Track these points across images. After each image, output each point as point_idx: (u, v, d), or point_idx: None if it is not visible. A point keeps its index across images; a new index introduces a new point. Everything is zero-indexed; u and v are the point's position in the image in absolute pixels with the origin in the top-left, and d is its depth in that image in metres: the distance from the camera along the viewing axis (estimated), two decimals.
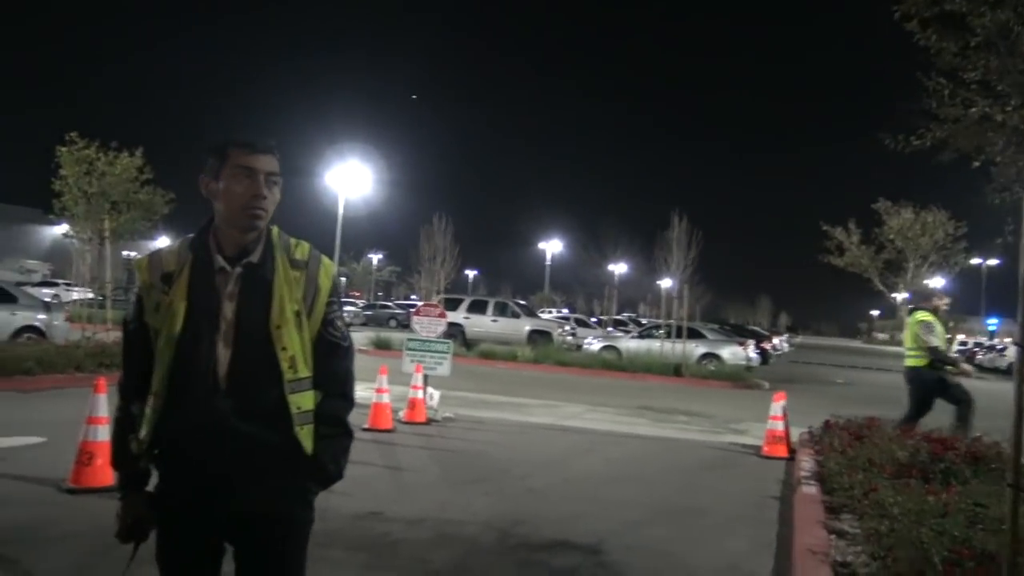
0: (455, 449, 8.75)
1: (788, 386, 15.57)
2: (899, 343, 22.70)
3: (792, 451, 9.17)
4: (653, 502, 6.80)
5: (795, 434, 9.68)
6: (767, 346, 32.27)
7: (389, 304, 52.68)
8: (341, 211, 32.35)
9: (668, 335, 23.67)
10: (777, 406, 9.52)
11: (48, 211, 15.99)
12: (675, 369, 21.22)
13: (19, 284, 19.23)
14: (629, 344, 25.23)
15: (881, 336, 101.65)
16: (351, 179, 33.28)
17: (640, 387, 18.62)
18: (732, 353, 23.90)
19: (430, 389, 10.80)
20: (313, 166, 33.86)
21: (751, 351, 24.70)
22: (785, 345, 49.20)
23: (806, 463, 7.80)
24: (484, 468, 7.79)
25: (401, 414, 10.24)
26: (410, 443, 8.79)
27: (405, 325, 39.32)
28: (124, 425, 2.25)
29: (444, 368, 11.15)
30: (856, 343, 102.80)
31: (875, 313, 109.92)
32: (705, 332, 25.50)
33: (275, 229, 2.29)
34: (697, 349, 23.67)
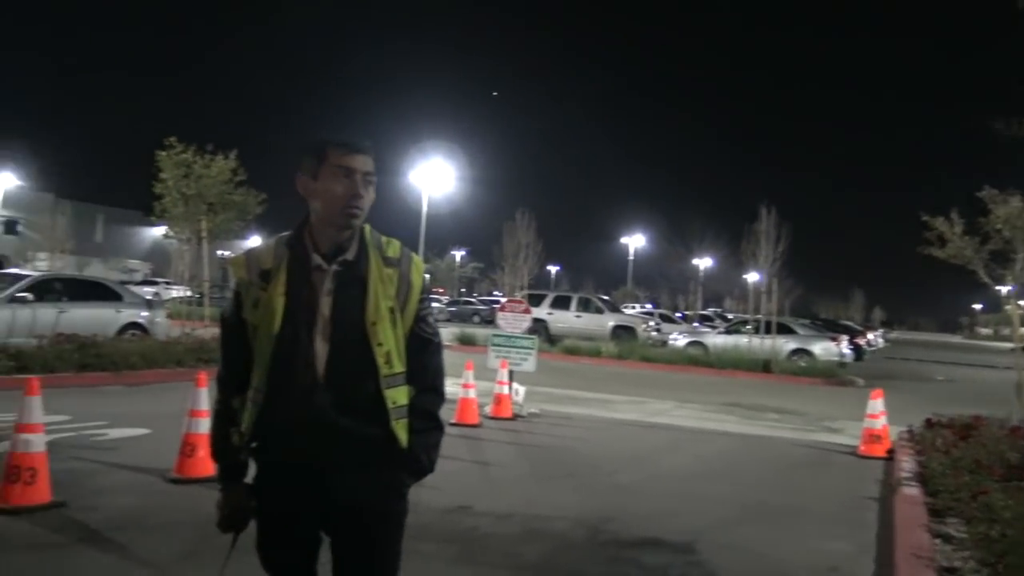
0: (541, 444, 8.74)
1: (884, 383, 14.97)
2: (1006, 338, 21.59)
3: (890, 451, 8.83)
4: (746, 500, 6.65)
5: (893, 433, 9.32)
6: (861, 341, 31.20)
7: (472, 300, 53.14)
8: (425, 208, 32.80)
9: (756, 330, 23.13)
10: (875, 404, 9.18)
11: (149, 213, 16.71)
12: (764, 365, 20.72)
13: (122, 283, 20.16)
14: (716, 340, 24.76)
15: (984, 331, 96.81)
16: (435, 177, 33.69)
17: (728, 383, 18.26)
18: (824, 349, 23.19)
19: (515, 385, 10.83)
20: (397, 164, 34.41)
21: (844, 347, 23.92)
22: (880, 340, 47.51)
23: (906, 463, 7.50)
24: (571, 464, 7.75)
25: (487, 409, 10.29)
26: (496, 438, 8.83)
27: (488, 321, 39.58)
28: (224, 418, 2.31)
29: (529, 364, 11.16)
30: (957, 339, 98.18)
31: (977, 307, 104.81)
32: (795, 327, 24.83)
33: (367, 227, 2.32)
34: (787, 345, 23.05)
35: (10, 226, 53.54)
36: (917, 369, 29.71)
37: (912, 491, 6.39)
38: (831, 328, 29.46)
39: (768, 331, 22.14)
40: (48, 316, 13.05)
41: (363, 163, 2.24)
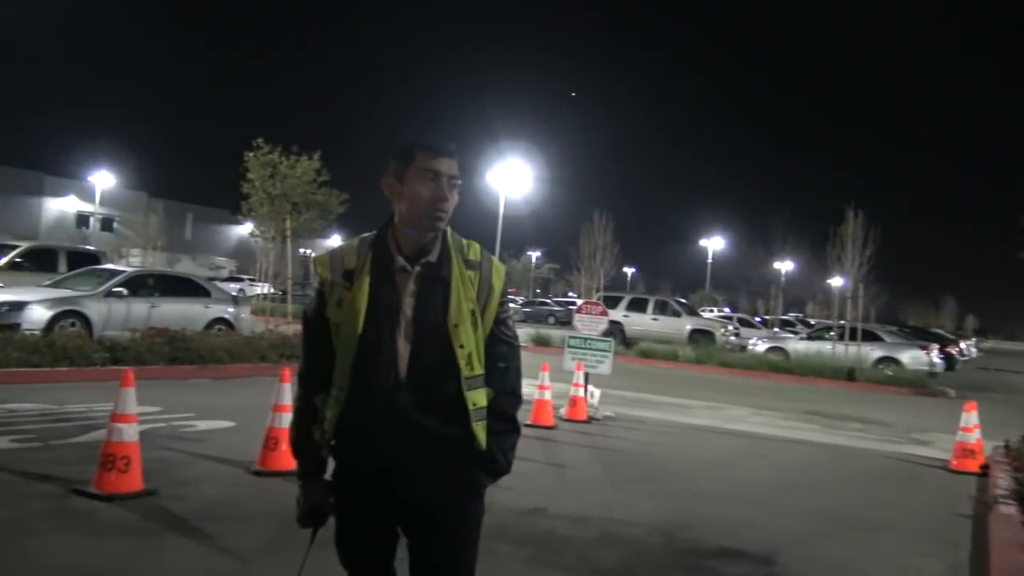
0: (617, 448, 8.66)
1: (978, 395, 14.32)
2: None
3: (984, 466, 8.43)
4: (829, 513, 6.44)
5: (987, 448, 8.91)
6: (952, 351, 29.98)
7: (548, 301, 53.13)
8: (502, 209, 32.95)
9: (840, 337, 22.44)
10: (969, 416, 8.78)
11: (236, 212, 17.23)
12: (848, 373, 20.10)
13: (210, 279, 20.87)
14: (797, 346, 24.13)
15: None
16: (512, 177, 33.82)
17: (809, 391, 17.77)
18: (913, 357, 22.35)
19: (591, 387, 10.77)
20: (475, 165, 34.68)
21: (935, 356, 23.00)
22: (973, 350, 45.60)
23: (1002, 480, 7.15)
24: (647, 469, 7.66)
25: (562, 411, 10.26)
26: (572, 440, 8.79)
27: (563, 322, 39.50)
28: (305, 415, 2.34)
29: (605, 367, 11.08)
30: None
31: None
32: (882, 334, 24.00)
33: (449, 230, 2.33)
34: (873, 352, 22.31)
35: (106, 223, 56.07)
36: (1013, 381, 28.36)
37: (1009, 509, 6.09)
38: (920, 336, 28.43)
39: (853, 338, 21.45)
40: (141, 310, 13.62)
41: (449, 166, 2.26)
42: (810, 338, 25.20)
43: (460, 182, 2.30)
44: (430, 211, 2.23)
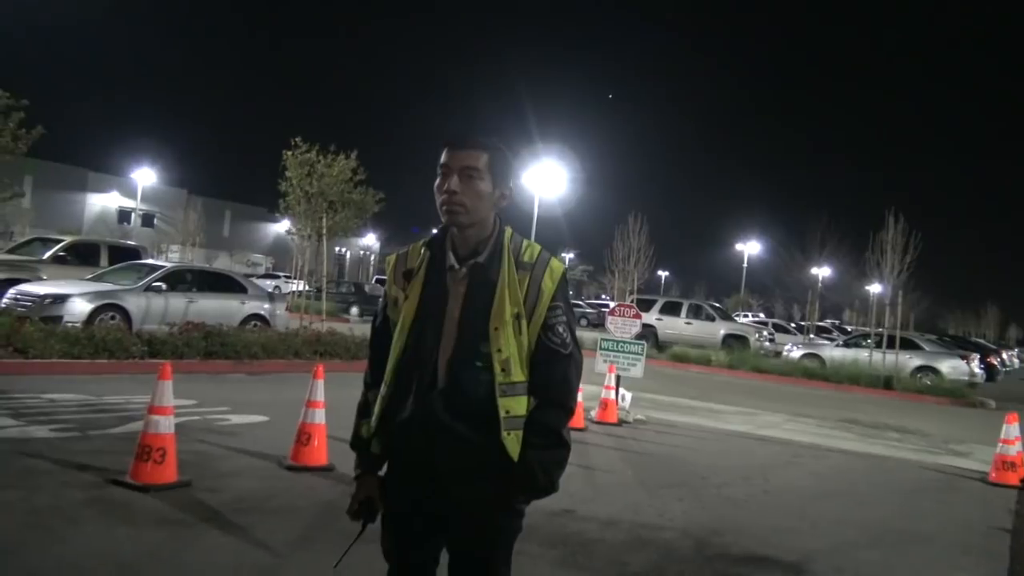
0: (648, 452, 8.61)
1: (1020, 406, 13.97)
2: None
3: None
4: (865, 522, 6.33)
5: None
6: (994, 361, 29.37)
7: (580, 303, 52.96)
8: (536, 211, 32.92)
9: (878, 344, 22.09)
10: (1010, 428, 8.59)
11: (273, 210, 17.44)
12: (885, 381, 19.78)
13: (246, 276, 21.15)
14: (833, 353, 23.80)
15: None
16: (547, 179, 33.77)
17: (845, 399, 17.52)
18: (952, 367, 21.93)
19: (622, 390, 10.72)
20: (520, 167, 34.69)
21: (975, 365, 22.54)
22: (1015, 360, 44.56)
23: None
24: (679, 473, 7.60)
25: (592, 414, 10.23)
26: (602, 443, 8.75)
27: (596, 325, 39.37)
28: (361, 411, 2.37)
29: (637, 370, 11.02)
30: None
31: None
32: (921, 343, 23.59)
33: (508, 230, 2.29)
34: (911, 361, 21.93)
35: (147, 219, 57.04)
36: None
37: None
38: (961, 345, 27.90)
39: (891, 346, 21.11)
40: (179, 305, 13.84)
41: (463, 159, 2.21)
42: (847, 345, 24.84)
43: (484, 174, 2.22)
44: (441, 205, 2.22)
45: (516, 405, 2.16)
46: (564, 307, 2.25)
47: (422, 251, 2.31)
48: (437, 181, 2.23)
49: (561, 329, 2.23)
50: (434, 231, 2.39)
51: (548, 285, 2.23)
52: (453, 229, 2.26)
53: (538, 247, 2.30)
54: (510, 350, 2.16)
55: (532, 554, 4.56)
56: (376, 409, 2.29)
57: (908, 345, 22.32)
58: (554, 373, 2.21)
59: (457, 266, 2.24)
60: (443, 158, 2.23)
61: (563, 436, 2.22)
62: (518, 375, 2.17)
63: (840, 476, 8.42)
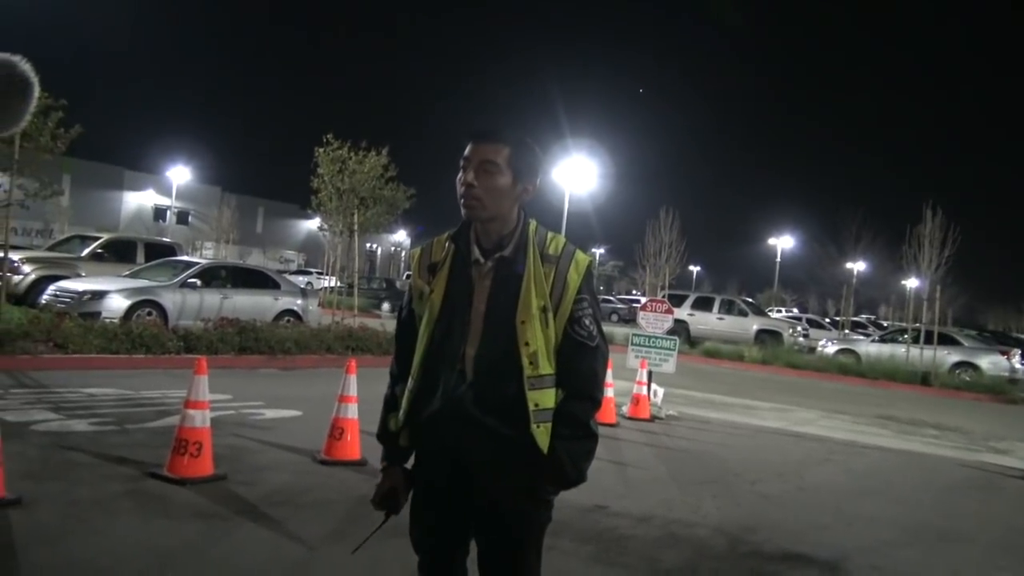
0: (680, 448, 8.55)
1: None
2: None
3: None
4: (903, 521, 6.23)
5: None
6: None
7: (611, 298, 52.75)
8: (567, 206, 32.84)
9: (915, 340, 21.74)
10: None
11: (306, 206, 17.57)
12: (922, 378, 19.47)
13: (279, 272, 21.36)
14: (869, 348, 23.46)
15: None
16: (577, 174, 33.66)
17: (881, 395, 17.26)
18: (992, 363, 21.49)
19: (654, 386, 10.66)
20: (546, 162, 34.59)
21: (1016, 361, 22.07)
22: None
23: None
24: (712, 469, 7.54)
25: (624, 409, 10.19)
26: (634, 439, 8.71)
27: (627, 320, 39.22)
28: (387, 404, 2.38)
29: (669, 365, 10.95)
30: None
31: None
32: (960, 338, 23.16)
33: (533, 224, 2.29)
34: (949, 357, 21.53)
35: (182, 217, 57.87)
36: None
37: None
38: (1001, 340, 27.34)
39: (928, 341, 20.76)
40: (213, 301, 14.02)
41: (482, 152, 2.21)
42: (883, 340, 24.48)
43: (501, 167, 2.21)
44: (460, 198, 2.23)
45: (544, 398, 2.17)
46: (590, 299, 2.26)
47: (447, 244, 2.31)
48: (460, 173, 2.24)
49: (588, 321, 2.24)
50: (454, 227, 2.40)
51: (574, 278, 2.23)
52: (477, 223, 2.26)
53: (563, 240, 2.30)
54: (537, 343, 2.17)
55: (565, 550, 4.55)
56: (404, 402, 2.30)
57: (946, 340, 21.93)
58: (581, 365, 2.22)
59: (482, 260, 2.24)
60: (466, 151, 2.24)
61: (591, 428, 2.24)
62: (546, 368, 2.18)
63: (876, 473, 8.30)
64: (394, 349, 2.44)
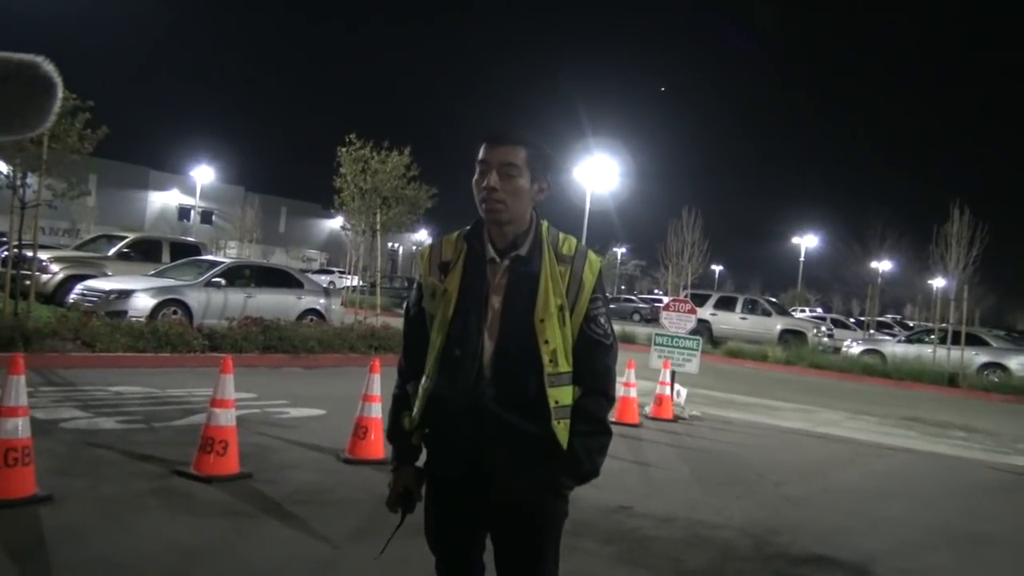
0: (704, 449, 8.51)
1: None
2: None
3: None
4: (930, 524, 6.16)
5: None
6: None
7: (633, 298, 52.58)
8: (588, 205, 32.78)
9: (942, 340, 21.47)
10: None
11: (328, 206, 17.67)
12: (950, 379, 19.23)
13: (302, 271, 21.48)
14: (895, 349, 23.19)
15: None
16: (599, 173, 33.60)
17: (907, 396, 17.07)
18: (1022, 363, 21.15)
19: (677, 386, 10.61)
20: (562, 161, 34.55)
21: None
22: None
23: None
24: (735, 471, 7.49)
25: (647, 409, 10.14)
26: (657, 439, 8.67)
27: (648, 320, 39.06)
28: (399, 402, 2.40)
29: (692, 365, 10.90)
30: None
31: None
32: (988, 339, 22.83)
33: (545, 223, 2.33)
34: (978, 357, 21.23)
35: (206, 216, 58.39)
36: None
37: None
38: None
39: (956, 342, 20.50)
40: (238, 300, 14.12)
41: (501, 155, 2.22)
42: (909, 341, 24.20)
43: (523, 170, 2.22)
44: (481, 202, 2.24)
45: (563, 395, 2.21)
46: (603, 299, 2.32)
47: (458, 243, 2.32)
48: (476, 177, 2.25)
49: (603, 320, 2.29)
50: (450, 227, 2.42)
51: (588, 277, 2.27)
52: (494, 225, 2.28)
53: (575, 240, 2.33)
54: (556, 341, 2.20)
55: (588, 551, 4.54)
56: (419, 401, 2.31)
57: (974, 341, 21.64)
58: (597, 363, 2.27)
59: (498, 259, 2.26)
60: (481, 154, 2.25)
61: (606, 423, 2.30)
62: (564, 366, 2.21)
63: (902, 475, 8.22)
64: (403, 346, 2.45)
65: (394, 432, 2.40)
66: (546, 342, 2.18)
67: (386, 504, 2.38)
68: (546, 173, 2.31)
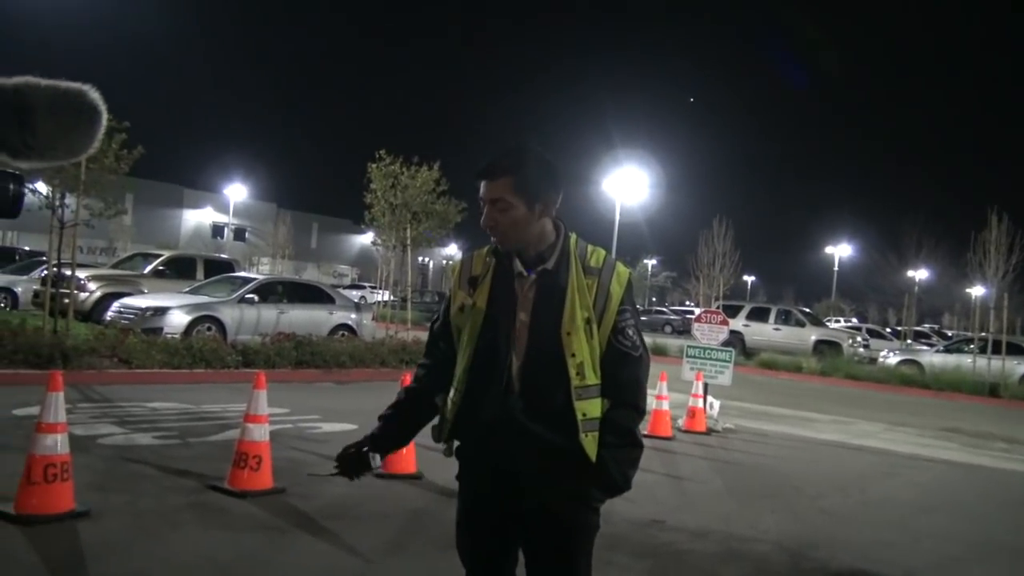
0: (738, 461, 8.40)
1: None
2: None
3: None
4: (973, 538, 6.02)
5: None
6: None
7: (664, 310, 52.27)
8: (618, 217, 32.69)
9: (982, 350, 21.05)
10: None
11: (359, 221, 17.81)
12: (990, 389, 18.82)
13: (333, 286, 21.66)
14: (933, 359, 22.79)
15: None
16: (628, 185, 33.51)
17: (946, 407, 16.74)
18: None
19: (710, 398, 10.51)
20: (590, 173, 34.56)
21: None
22: None
23: None
24: (771, 483, 7.39)
25: (680, 422, 10.05)
26: (690, 452, 8.59)
27: (680, 331, 38.78)
28: (411, 392, 2.49)
29: (725, 377, 10.79)
30: None
31: None
32: None
33: (573, 236, 2.34)
34: (1019, 367, 20.78)
35: (239, 233, 59.16)
36: None
37: None
38: None
39: (996, 351, 20.08)
40: (270, 316, 14.26)
41: (490, 191, 2.27)
42: (947, 351, 23.77)
43: (508, 202, 2.23)
44: (489, 233, 2.31)
45: (591, 407, 2.20)
46: (632, 310, 2.31)
47: (487, 258, 2.34)
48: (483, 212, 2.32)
49: (631, 332, 2.28)
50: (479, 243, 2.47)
51: (616, 289, 2.27)
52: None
53: (603, 252, 2.34)
54: (583, 354, 2.20)
55: (621, 565, 4.50)
56: (448, 414, 2.33)
57: (1015, 350, 21.18)
58: (626, 375, 2.27)
59: (526, 273, 2.27)
60: (480, 190, 2.31)
61: (637, 436, 2.28)
62: (592, 378, 2.21)
63: (943, 488, 8.05)
64: (424, 355, 2.50)
65: (380, 418, 2.49)
66: (573, 355, 2.19)
67: (337, 456, 2.49)
68: (547, 189, 2.27)
